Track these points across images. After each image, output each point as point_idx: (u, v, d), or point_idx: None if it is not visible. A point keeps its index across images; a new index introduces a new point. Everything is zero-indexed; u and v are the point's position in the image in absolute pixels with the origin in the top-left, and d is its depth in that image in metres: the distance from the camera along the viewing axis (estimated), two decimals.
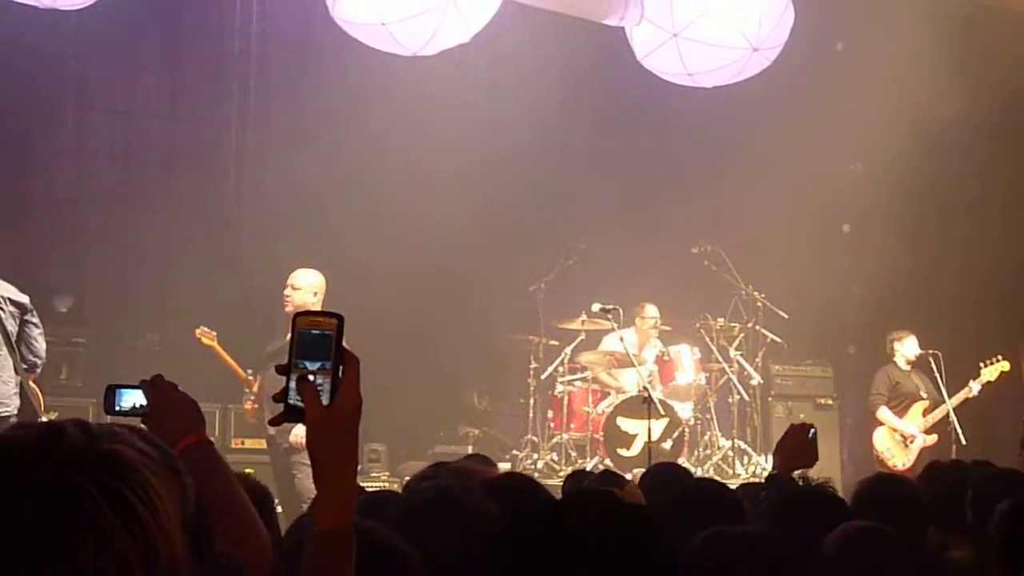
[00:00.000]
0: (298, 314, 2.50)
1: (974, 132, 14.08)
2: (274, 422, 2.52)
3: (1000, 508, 4.07)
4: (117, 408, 3.64)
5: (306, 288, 10.69)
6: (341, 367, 2.43)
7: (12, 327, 10.19)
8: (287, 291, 10.74)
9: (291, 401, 2.44)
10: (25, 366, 10.28)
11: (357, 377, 2.44)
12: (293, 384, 2.44)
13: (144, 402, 3.58)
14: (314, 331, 2.47)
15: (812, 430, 5.69)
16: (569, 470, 12.46)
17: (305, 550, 2.43)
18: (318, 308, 9.96)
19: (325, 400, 2.40)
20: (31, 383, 10.43)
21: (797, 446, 5.63)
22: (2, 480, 1.64)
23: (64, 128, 14.05)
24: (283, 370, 2.46)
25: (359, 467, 9.17)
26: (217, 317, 13.35)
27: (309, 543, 2.43)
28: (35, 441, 1.68)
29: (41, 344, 10.47)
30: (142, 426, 3.52)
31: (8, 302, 10.20)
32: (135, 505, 1.66)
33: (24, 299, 10.35)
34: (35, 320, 10.43)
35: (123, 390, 3.65)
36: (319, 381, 2.41)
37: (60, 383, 12.67)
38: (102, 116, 14.27)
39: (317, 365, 2.44)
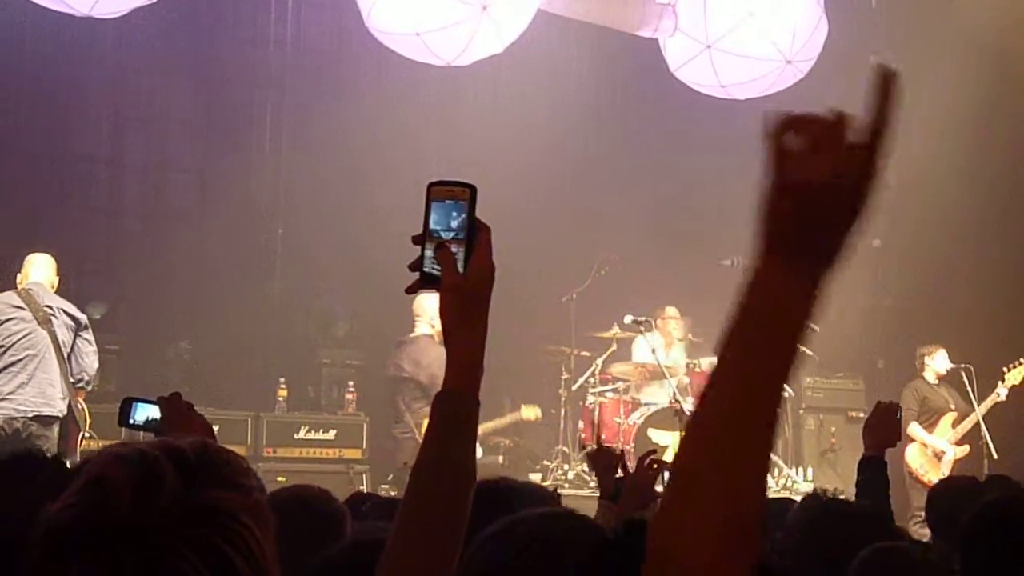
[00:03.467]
0: (432, 184, 2.54)
1: (1007, 147, 14.03)
2: (410, 290, 2.56)
3: (963, 519, 4.09)
4: (131, 421, 3.67)
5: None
6: (474, 236, 2.47)
7: (65, 337, 10.29)
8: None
9: (426, 269, 2.48)
10: (72, 380, 10.35)
11: (490, 245, 2.48)
12: (429, 253, 2.48)
13: (158, 416, 3.60)
14: (448, 201, 2.51)
15: (899, 409, 5.77)
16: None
17: (431, 409, 2.47)
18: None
19: (460, 268, 2.44)
20: (80, 400, 10.51)
21: (886, 424, 5.63)
22: (98, 530, 1.62)
23: (99, 137, 14.13)
24: (418, 240, 2.50)
25: (391, 476, 9.23)
26: (249, 326, 13.44)
27: (435, 402, 2.46)
28: (132, 486, 1.64)
29: (91, 362, 10.57)
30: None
31: (64, 313, 10.33)
32: (234, 560, 1.66)
33: (82, 316, 10.54)
34: (89, 337, 10.55)
35: (139, 403, 3.67)
36: (453, 250, 2.45)
37: (93, 389, 12.71)
38: (137, 125, 14.36)
39: (451, 235, 2.47)
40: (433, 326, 11.91)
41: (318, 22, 14.80)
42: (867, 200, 1.69)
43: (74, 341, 10.41)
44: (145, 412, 3.67)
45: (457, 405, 2.46)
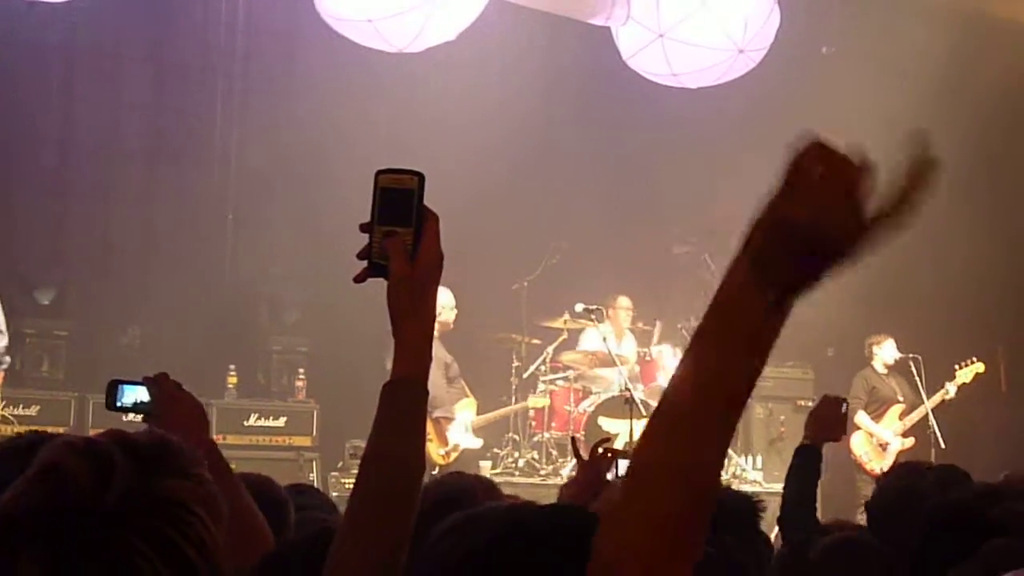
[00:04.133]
0: (380, 172, 2.54)
1: (956, 137, 14.10)
2: (358, 278, 2.56)
3: (924, 511, 4.12)
4: (119, 404, 3.58)
5: None
6: (422, 224, 2.47)
7: None
8: None
9: (375, 258, 2.49)
10: None
11: (437, 233, 2.49)
12: (378, 241, 2.49)
13: (146, 399, 3.53)
14: (396, 188, 2.52)
15: (845, 404, 5.73)
16: (550, 468, 12.54)
17: (380, 397, 2.47)
18: None
19: (407, 257, 2.46)
20: None
21: (830, 418, 5.62)
22: (50, 519, 1.63)
23: (48, 119, 14.02)
24: (366, 228, 2.50)
25: (340, 464, 9.16)
26: (199, 311, 13.36)
27: (384, 391, 2.46)
28: (85, 476, 1.65)
29: None
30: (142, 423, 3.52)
31: None
32: (185, 550, 1.67)
33: None
34: None
35: (125, 386, 3.59)
36: (401, 237, 2.46)
37: (42, 376, 12.64)
38: (86, 107, 14.24)
39: (399, 223, 2.48)
40: (438, 320, 11.97)
41: (270, 5, 14.72)
42: (857, 256, 1.73)
43: None
44: (133, 394, 3.56)
45: (405, 394, 2.47)
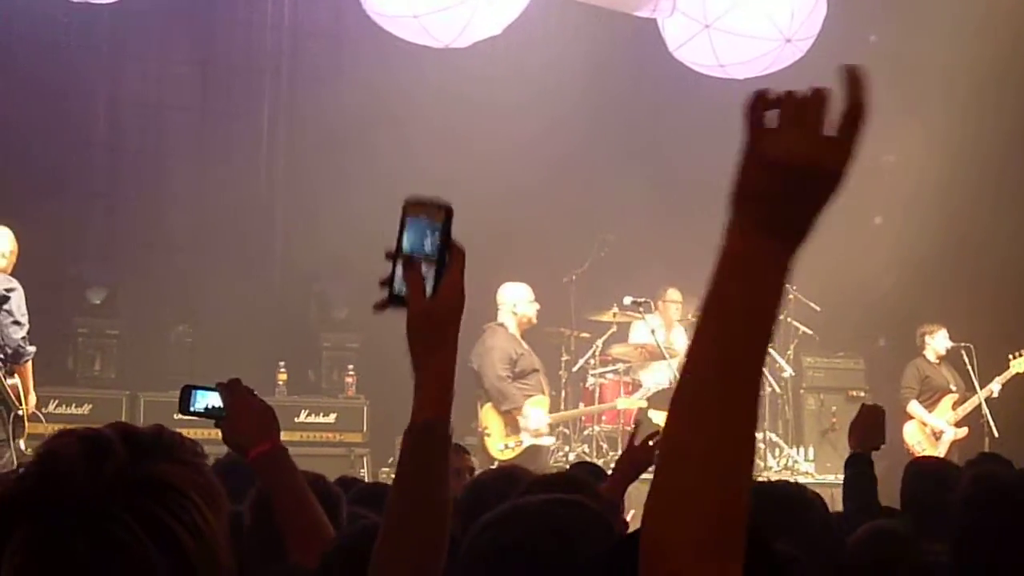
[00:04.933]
0: (408, 202, 2.48)
1: (1010, 123, 14.01)
2: (378, 307, 2.56)
3: (959, 496, 4.08)
4: (192, 409, 3.65)
5: None
6: (447, 258, 2.43)
7: None
8: None
9: (396, 290, 2.47)
10: (1, 356, 10.09)
11: (462, 269, 2.47)
12: (399, 272, 2.46)
13: (219, 404, 3.60)
14: (423, 219, 2.46)
15: (882, 413, 5.76)
16: (600, 462, 12.50)
17: (403, 443, 2.43)
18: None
19: (428, 289, 2.41)
20: (17, 376, 10.17)
21: (870, 427, 5.66)
22: (45, 505, 1.64)
23: (97, 121, 14.11)
24: (391, 256, 2.47)
25: (391, 460, 9.21)
26: (249, 310, 13.43)
27: (406, 436, 2.42)
28: (79, 459, 1.67)
29: (12, 334, 10.11)
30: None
31: None
32: (178, 534, 1.66)
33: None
34: (8, 308, 10.08)
35: (199, 391, 3.66)
36: (424, 270, 2.42)
37: (94, 375, 12.73)
38: (134, 109, 14.33)
39: (423, 255, 2.44)
40: (515, 313, 12.04)
41: (315, 4, 14.76)
42: (841, 181, 1.71)
43: None
44: (205, 399, 3.65)
45: (426, 438, 2.42)
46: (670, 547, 1.64)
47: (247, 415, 3.55)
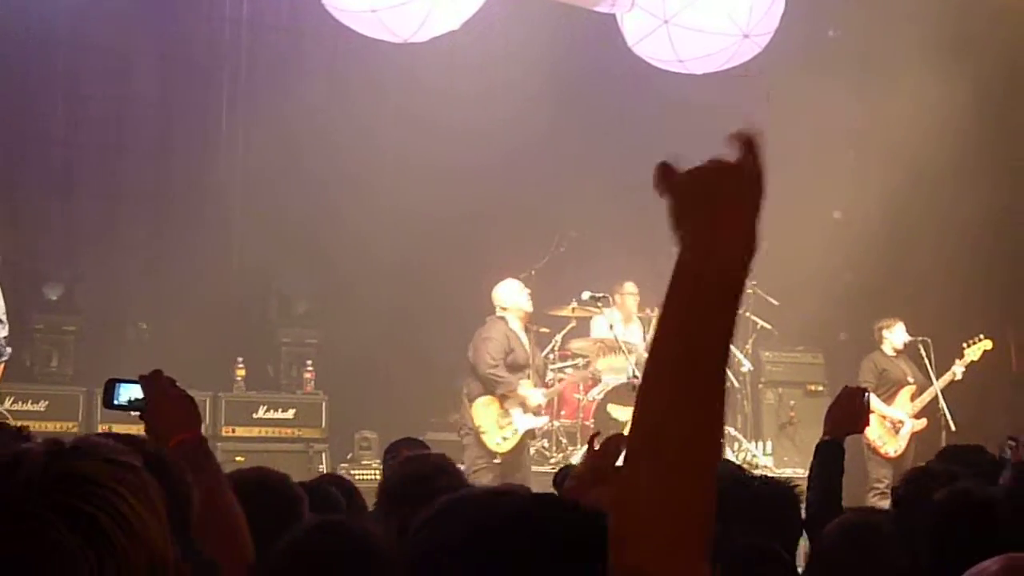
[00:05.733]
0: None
1: (965, 118, 14.08)
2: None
3: (935, 498, 4.09)
4: (115, 402, 3.71)
5: None
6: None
7: None
8: None
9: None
10: None
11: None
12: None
13: (140, 396, 3.63)
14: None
15: (866, 394, 5.54)
16: (560, 456, 12.51)
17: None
18: None
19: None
20: None
21: (852, 410, 5.46)
22: None
23: (54, 116, 14.02)
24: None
25: (350, 455, 9.18)
26: (207, 305, 13.37)
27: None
28: (3, 459, 1.67)
29: None
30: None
31: None
32: (106, 528, 1.63)
33: None
34: None
35: (122, 384, 3.72)
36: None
37: (51, 371, 12.66)
38: (93, 104, 14.24)
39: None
40: (507, 308, 12.05)
41: None
42: (756, 196, 1.85)
43: None
44: (128, 392, 3.71)
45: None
46: (636, 540, 1.68)
47: (167, 406, 3.59)
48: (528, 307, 12.17)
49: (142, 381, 3.66)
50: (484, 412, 11.81)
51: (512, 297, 12.10)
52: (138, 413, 3.65)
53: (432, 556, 2.15)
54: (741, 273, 1.80)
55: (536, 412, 12.11)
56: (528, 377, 12.08)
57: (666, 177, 1.92)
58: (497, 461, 11.43)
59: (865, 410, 5.53)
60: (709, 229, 1.83)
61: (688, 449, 1.70)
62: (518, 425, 11.87)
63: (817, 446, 5.46)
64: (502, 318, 12.07)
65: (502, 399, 11.77)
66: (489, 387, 11.79)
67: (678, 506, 1.68)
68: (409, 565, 2.24)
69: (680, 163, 1.94)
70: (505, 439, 11.80)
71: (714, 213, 1.83)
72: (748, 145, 1.87)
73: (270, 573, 3.11)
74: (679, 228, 1.88)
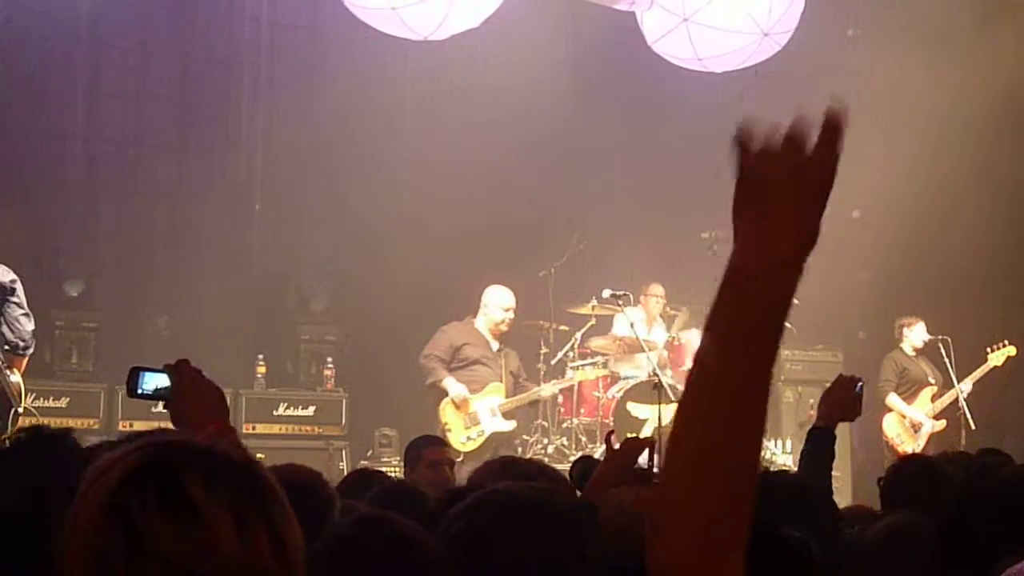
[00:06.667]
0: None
1: (986, 118, 14.04)
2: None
3: (950, 498, 4.10)
4: (140, 391, 3.63)
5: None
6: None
7: None
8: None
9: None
10: (7, 347, 10.04)
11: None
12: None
13: (167, 385, 3.58)
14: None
15: (860, 383, 5.60)
16: (579, 455, 12.51)
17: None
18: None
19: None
20: (16, 371, 10.13)
21: (843, 398, 5.54)
22: None
23: (74, 113, 14.06)
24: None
25: (370, 452, 9.19)
26: (228, 302, 13.41)
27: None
28: None
29: (25, 325, 10.14)
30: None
31: None
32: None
33: (6, 279, 10.06)
34: (17, 300, 10.09)
35: (146, 373, 3.64)
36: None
37: (71, 367, 12.69)
38: (113, 101, 14.28)
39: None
40: (484, 315, 12.20)
41: None
42: (828, 186, 1.78)
43: (1, 308, 10.02)
44: (154, 380, 3.62)
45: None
46: (673, 539, 1.70)
47: (195, 396, 3.53)
48: (503, 326, 12.35)
49: (168, 370, 3.59)
50: (450, 409, 12.01)
51: (492, 308, 12.40)
52: (162, 403, 3.60)
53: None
54: (795, 277, 1.78)
55: (507, 416, 12.37)
56: (498, 376, 12.38)
57: (743, 147, 1.79)
58: (460, 460, 11.45)
59: (858, 399, 5.57)
60: (768, 226, 1.76)
61: (730, 451, 1.71)
62: (485, 427, 12.05)
63: (809, 432, 5.54)
64: (471, 319, 12.43)
65: (465, 403, 12.05)
66: (423, 376, 12.15)
67: (718, 507, 1.70)
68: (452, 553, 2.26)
69: (756, 130, 1.81)
70: (470, 439, 11.98)
71: (775, 208, 1.76)
72: (831, 128, 1.79)
73: (314, 563, 3.11)
74: (738, 217, 1.79)
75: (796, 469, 12.54)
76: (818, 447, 5.40)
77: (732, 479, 1.71)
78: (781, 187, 1.74)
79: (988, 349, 13.05)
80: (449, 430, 11.91)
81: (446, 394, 12.03)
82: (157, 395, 3.62)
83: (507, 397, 12.41)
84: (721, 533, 1.70)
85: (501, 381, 12.39)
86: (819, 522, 4.38)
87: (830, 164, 1.77)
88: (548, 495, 2.72)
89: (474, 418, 12.04)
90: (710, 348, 1.77)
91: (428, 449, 7.13)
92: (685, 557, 1.68)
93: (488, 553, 2.48)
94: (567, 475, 5.62)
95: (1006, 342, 13.06)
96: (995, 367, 13.01)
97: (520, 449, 12.72)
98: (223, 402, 3.59)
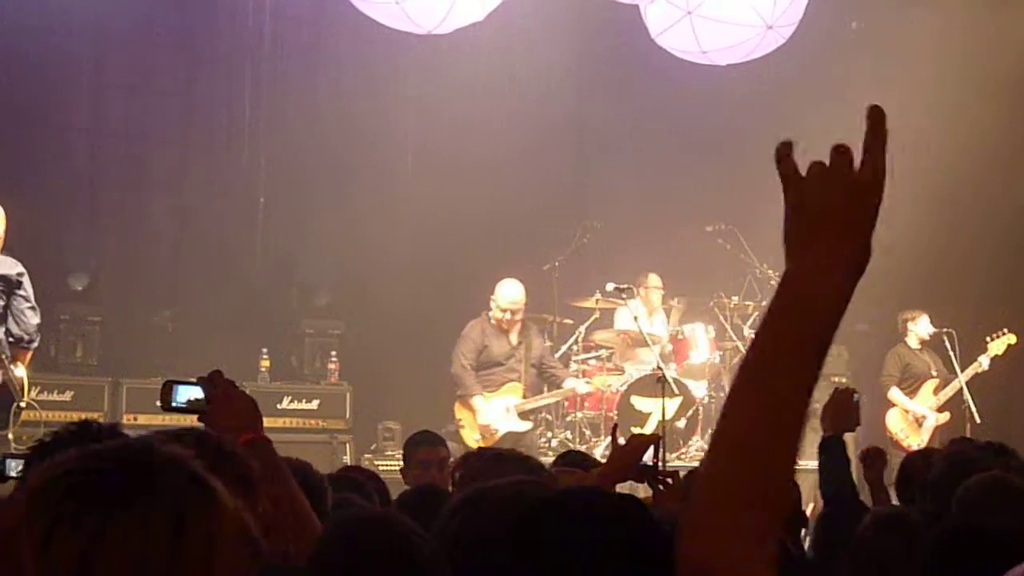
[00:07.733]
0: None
1: (987, 111, 14.03)
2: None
3: (957, 495, 4.15)
4: (174, 404, 3.66)
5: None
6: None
7: None
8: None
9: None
10: (11, 340, 10.04)
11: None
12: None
13: (200, 396, 3.60)
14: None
15: (856, 396, 5.83)
16: (583, 448, 12.51)
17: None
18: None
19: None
20: (20, 365, 10.14)
21: (842, 410, 5.74)
22: None
23: (78, 106, 14.06)
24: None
25: (374, 446, 9.21)
26: (232, 296, 13.41)
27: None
28: None
29: (29, 319, 10.13)
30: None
31: None
32: None
33: (12, 272, 10.06)
34: (24, 293, 10.09)
35: (180, 385, 3.68)
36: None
37: (75, 361, 12.69)
38: (116, 94, 14.29)
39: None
40: (492, 310, 12.23)
41: None
42: (876, 209, 1.91)
43: (8, 301, 10.02)
44: (187, 393, 3.66)
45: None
46: (708, 535, 1.74)
47: (228, 407, 3.58)
48: (504, 324, 12.31)
49: (201, 382, 3.63)
50: (465, 407, 12.06)
51: (496, 301, 12.35)
52: (197, 416, 3.62)
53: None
54: (851, 292, 1.87)
55: (523, 417, 12.38)
56: (517, 376, 12.36)
57: (785, 165, 1.86)
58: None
59: (855, 410, 5.80)
60: (823, 250, 1.82)
61: (772, 456, 1.76)
62: (499, 426, 12.03)
63: (821, 443, 5.73)
64: (485, 316, 12.36)
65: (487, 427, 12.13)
66: (456, 385, 12.25)
67: (757, 507, 1.74)
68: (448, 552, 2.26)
69: (796, 150, 1.87)
70: (483, 437, 11.96)
71: (830, 233, 1.82)
72: (877, 129, 1.91)
73: (310, 563, 3.12)
74: (791, 239, 1.84)
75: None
76: (832, 456, 5.64)
77: (771, 481, 1.76)
78: (835, 209, 1.83)
79: (988, 338, 13.04)
80: (463, 427, 11.98)
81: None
82: (191, 407, 3.65)
83: (525, 394, 12.40)
84: (757, 534, 1.74)
85: (520, 380, 12.36)
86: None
87: (882, 168, 1.90)
88: (537, 489, 2.72)
89: (488, 429, 12.10)
90: (757, 359, 1.83)
91: (419, 449, 7.14)
92: (720, 556, 1.72)
93: (485, 552, 2.48)
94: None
95: (1005, 330, 13.05)
96: (996, 355, 13.00)
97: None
98: (256, 412, 3.64)
